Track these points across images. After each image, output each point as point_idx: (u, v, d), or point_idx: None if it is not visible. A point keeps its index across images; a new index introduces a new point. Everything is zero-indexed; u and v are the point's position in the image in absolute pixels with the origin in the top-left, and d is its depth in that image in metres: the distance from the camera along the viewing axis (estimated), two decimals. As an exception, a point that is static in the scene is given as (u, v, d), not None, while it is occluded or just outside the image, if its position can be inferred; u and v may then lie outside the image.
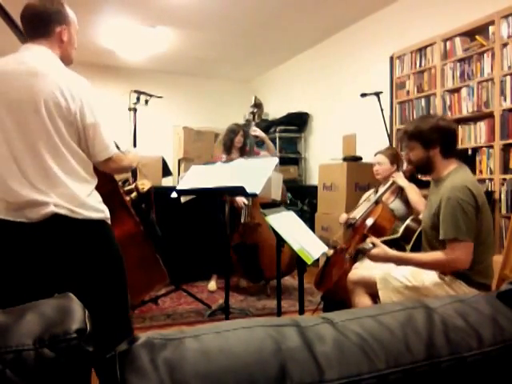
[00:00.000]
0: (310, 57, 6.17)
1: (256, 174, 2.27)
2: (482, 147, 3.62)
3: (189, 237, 4.28)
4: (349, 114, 5.29)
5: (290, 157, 6.25)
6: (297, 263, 2.32)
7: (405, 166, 3.03)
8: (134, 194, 2.51)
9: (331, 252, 2.90)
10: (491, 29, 3.52)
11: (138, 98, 3.65)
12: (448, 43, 3.92)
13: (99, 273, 1.65)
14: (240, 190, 2.16)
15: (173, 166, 5.53)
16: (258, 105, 4.04)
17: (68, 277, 1.61)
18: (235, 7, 4.76)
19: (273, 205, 2.88)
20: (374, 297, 2.20)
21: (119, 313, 1.71)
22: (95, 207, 1.63)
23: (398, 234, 2.40)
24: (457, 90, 3.84)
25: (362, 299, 2.24)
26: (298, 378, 0.61)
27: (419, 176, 2.65)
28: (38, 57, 1.62)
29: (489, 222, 2.02)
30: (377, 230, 2.71)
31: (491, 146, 3.53)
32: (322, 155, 5.59)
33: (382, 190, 3.03)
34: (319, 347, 0.65)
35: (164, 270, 2.40)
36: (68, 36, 1.70)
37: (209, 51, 6.20)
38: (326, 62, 5.81)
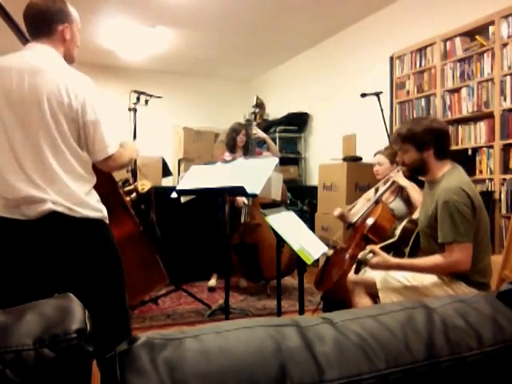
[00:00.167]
0: (309, 57, 6.17)
1: (256, 173, 2.27)
2: (482, 147, 3.62)
3: (189, 237, 4.28)
4: (349, 114, 5.29)
5: (290, 157, 6.24)
6: (297, 263, 2.32)
7: None
8: (133, 195, 2.51)
9: (331, 252, 2.90)
10: (491, 29, 3.52)
11: (138, 98, 3.65)
12: (448, 43, 3.92)
13: (97, 272, 1.64)
14: (240, 190, 2.16)
15: (173, 166, 5.53)
16: (259, 105, 4.03)
17: (65, 275, 1.61)
18: (235, 7, 4.76)
19: (273, 205, 2.89)
20: (374, 297, 2.20)
21: (117, 312, 1.71)
22: (93, 206, 1.63)
23: (395, 238, 2.39)
24: (457, 90, 3.84)
25: (362, 299, 2.24)
26: (298, 378, 0.61)
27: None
28: (41, 55, 1.62)
29: (485, 221, 2.03)
30: (377, 229, 2.70)
31: (491, 146, 3.53)
32: (321, 155, 5.59)
33: (382, 189, 3.03)
34: (319, 347, 0.65)
35: (163, 270, 2.40)
36: (70, 34, 1.71)
37: (209, 51, 6.20)
38: (325, 61, 5.81)
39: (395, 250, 2.35)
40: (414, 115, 4.28)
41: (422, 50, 4.21)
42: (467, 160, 3.70)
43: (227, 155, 4.07)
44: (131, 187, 2.54)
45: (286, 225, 2.23)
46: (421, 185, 2.91)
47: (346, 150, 5.16)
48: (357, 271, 2.15)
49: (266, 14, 4.95)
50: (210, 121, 6.64)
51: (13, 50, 1.67)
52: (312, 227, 4.61)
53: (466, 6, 3.83)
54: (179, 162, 5.96)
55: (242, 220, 3.94)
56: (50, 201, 1.53)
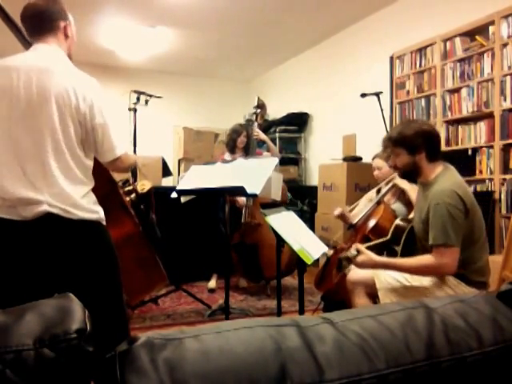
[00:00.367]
0: (310, 57, 6.17)
1: (256, 174, 2.27)
2: (482, 147, 3.62)
3: (189, 237, 4.28)
4: (349, 114, 5.29)
5: (290, 157, 6.24)
6: (297, 263, 2.32)
7: None
8: (133, 195, 2.51)
9: (331, 252, 2.90)
10: (491, 29, 3.53)
11: (138, 98, 3.65)
12: (448, 43, 3.93)
13: (93, 273, 1.64)
14: (240, 190, 2.17)
15: (173, 166, 5.53)
16: (260, 105, 4.03)
17: (62, 276, 1.61)
18: (235, 7, 4.76)
19: (273, 205, 2.89)
20: (374, 297, 2.20)
21: (114, 313, 1.71)
22: (89, 208, 1.62)
23: (388, 237, 2.39)
24: (457, 90, 3.84)
25: (362, 299, 2.24)
26: (298, 378, 0.61)
27: None
28: (48, 56, 1.63)
29: (480, 220, 2.03)
30: (378, 230, 2.70)
31: (491, 146, 3.54)
32: (321, 155, 5.58)
33: (384, 190, 3.02)
34: (319, 347, 0.65)
35: (163, 270, 2.40)
36: (71, 31, 1.73)
37: (209, 51, 6.19)
38: (326, 62, 5.81)
39: (388, 249, 2.35)
40: (414, 115, 4.28)
41: (421, 50, 4.21)
42: (467, 160, 3.70)
43: (227, 156, 4.07)
44: (131, 187, 2.54)
45: (286, 225, 2.23)
46: None
47: (346, 149, 5.16)
48: (338, 269, 2.15)
49: (266, 14, 4.95)
50: (209, 121, 6.64)
51: (13, 51, 1.67)
52: (312, 227, 4.61)
53: (466, 5, 3.83)
54: (179, 161, 5.96)
55: (243, 220, 3.94)
56: (46, 203, 1.53)
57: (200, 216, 4.24)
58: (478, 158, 3.65)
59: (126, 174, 3.02)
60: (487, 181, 3.56)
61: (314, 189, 5.03)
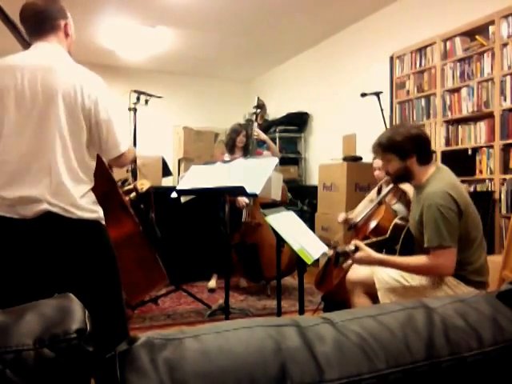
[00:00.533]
0: (310, 57, 6.17)
1: (256, 174, 2.27)
2: (482, 147, 3.62)
3: (189, 237, 4.28)
4: (349, 114, 5.29)
5: (290, 157, 6.24)
6: (297, 263, 2.32)
7: None
8: (133, 194, 2.51)
9: (331, 252, 2.90)
10: (491, 29, 3.53)
11: (138, 98, 3.65)
12: (448, 43, 3.93)
13: (92, 273, 1.64)
14: (240, 190, 2.16)
15: (173, 166, 5.53)
16: (260, 105, 4.03)
17: (61, 275, 1.61)
18: (235, 7, 4.76)
19: (273, 205, 2.88)
20: (373, 297, 2.20)
21: (113, 312, 1.71)
22: (88, 208, 1.62)
23: (387, 235, 2.39)
24: (457, 90, 3.84)
25: (361, 299, 2.24)
26: (298, 378, 0.61)
27: None
28: (50, 54, 1.63)
29: (476, 220, 2.02)
30: (379, 231, 2.69)
31: (491, 146, 3.54)
32: (321, 155, 5.58)
33: (385, 190, 3.02)
34: (319, 347, 0.65)
35: (163, 270, 2.40)
36: (71, 29, 1.73)
37: (209, 51, 6.20)
38: (326, 61, 5.81)
39: (387, 247, 2.35)
40: (414, 115, 4.28)
41: (421, 50, 4.21)
42: (467, 160, 3.70)
43: (226, 156, 4.06)
44: (130, 187, 2.54)
45: (286, 225, 2.23)
46: None
47: (346, 149, 5.16)
48: (336, 263, 2.15)
49: (266, 14, 4.95)
50: (209, 121, 6.64)
51: (13, 51, 1.66)
52: (312, 227, 4.61)
53: (466, 5, 3.83)
54: (179, 161, 5.96)
55: (243, 220, 3.94)
56: (47, 202, 1.53)
57: (200, 216, 4.24)
58: (478, 158, 3.65)
59: (125, 174, 3.02)
60: (487, 181, 3.56)
61: (314, 189, 5.03)
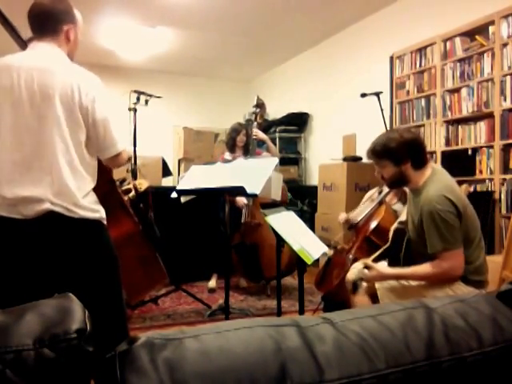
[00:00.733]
0: (310, 57, 6.17)
1: (256, 174, 2.26)
2: (482, 147, 3.62)
3: (189, 237, 4.28)
4: (349, 114, 5.29)
5: (290, 157, 6.24)
6: (297, 263, 2.32)
7: None
8: (131, 194, 2.51)
9: (331, 252, 2.90)
10: (491, 29, 3.53)
11: (138, 98, 3.65)
12: (448, 43, 3.92)
13: (93, 272, 1.64)
14: (240, 190, 2.16)
15: (173, 166, 5.53)
16: (260, 105, 4.03)
17: (62, 275, 1.61)
18: (235, 7, 4.76)
19: (273, 205, 2.88)
20: (373, 297, 2.20)
21: (114, 312, 1.71)
22: (91, 207, 1.63)
23: (389, 243, 2.39)
24: (457, 90, 3.84)
25: (361, 299, 2.24)
26: (298, 378, 0.61)
27: None
28: (48, 54, 1.62)
29: (474, 220, 2.02)
30: (379, 232, 2.69)
31: (491, 146, 3.54)
32: (321, 155, 5.58)
33: (385, 190, 3.02)
34: (319, 347, 0.65)
35: (163, 269, 2.40)
36: (74, 35, 1.72)
37: (209, 51, 6.20)
38: (326, 62, 5.81)
39: (390, 255, 2.34)
40: (414, 115, 4.28)
41: (421, 50, 4.21)
42: (467, 160, 3.70)
43: (227, 155, 4.07)
44: (129, 186, 2.54)
45: (286, 225, 2.23)
46: None
47: (346, 150, 5.16)
48: (354, 291, 2.15)
49: (266, 14, 4.95)
50: (209, 121, 6.64)
51: (11, 51, 1.66)
52: (312, 227, 4.61)
53: (466, 5, 3.83)
54: (179, 161, 5.96)
55: (243, 220, 3.94)
56: (49, 201, 1.53)
57: (200, 216, 4.24)
58: (478, 158, 3.65)
59: (124, 173, 3.02)
60: (487, 181, 3.56)
61: (314, 189, 5.03)
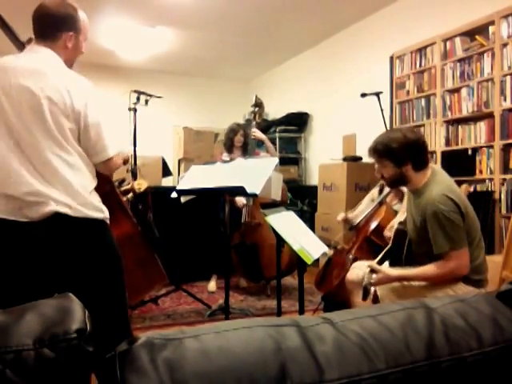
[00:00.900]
0: (310, 57, 6.17)
1: (256, 174, 2.26)
2: (482, 147, 3.62)
3: (189, 237, 4.28)
4: (349, 114, 5.29)
5: (290, 157, 6.24)
6: (297, 263, 2.31)
7: None
8: (130, 195, 2.51)
9: (331, 252, 2.90)
10: (491, 29, 3.53)
11: (138, 98, 3.65)
12: (448, 43, 3.92)
13: (98, 273, 1.64)
14: (240, 190, 2.16)
15: (173, 166, 5.53)
16: (258, 104, 4.03)
17: (66, 276, 1.61)
18: (235, 7, 4.76)
19: (273, 205, 2.89)
20: (373, 297, 2.20)
21: (117, 313, 1.71)
22: (96, 206, 1.63)
23: (390, 244, 2.38)
24: (457, 90, 3.84)
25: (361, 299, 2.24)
26: (298, 378, 0.61)
27: None
28: (42, 58, 1.62)
29: (474, 220, 2.03)
30: (380, 232, 2.69)
31: (491, 146, 3.54)
32: (321, 155, 5.58)
33: (386, 190, 3.01)
34: (319, 347, 0.65)
35: (163, 270, 2.40)
36: (74, 43, 1.70)
37: (209, 51, 6.20)
38: (326, 62, 5.81)
39: (392, 256, 2.34)
40: (414, 115, 4.28)
41: (421, 50, 4.21)
42: (467, 160, 3.70)
43: (225, 155, 4.07)
44: (128, 187, 2.54)
45: (286, 225, 2.23)
46: None
47: (346, 150, 5.16)
48: (365, 297, 2.12)
49: (266, 14, 4.95)
50: (210, 121, 6.64)
51: (11, 51, 1.66)
52: (312, 227, 4.61)
53: (466, 5, 3.82)
54: (179, 161, 5.96)
55: (243, 220, 3.94)
56: (53, 200, 1.53)
57: (200, 216, 4.24)
58: (478, 158, 3.65)
59: (124, 174, 3.01)
60: (487, 181, 3.56)
61: (314, 189, 5.03)
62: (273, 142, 5.27)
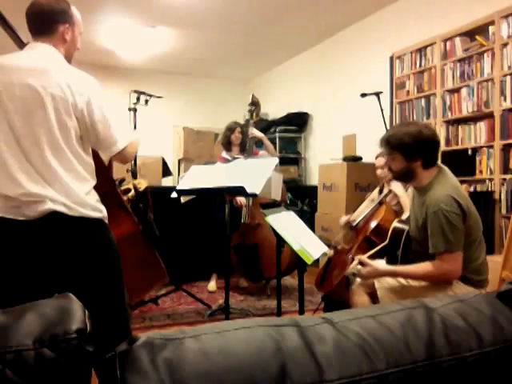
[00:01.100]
0: (310, 57, 6.17)
1: (256, 173, 2.26)
2: (482, 147, 3.62)
3: (189, 237, 4.28)
4: (349, 114, 5.28)
5: (290, 157, 6.24)
6: (297, 263, 2.31)
7: None
8: (131, 194, 2.50)
9: (331, 252, 2.89)
10: (491, 29, 3.52)
11: (138, 98, 3.65)
12: (448, 43, 3.92)
13: (95, 272, 1.64)
14: (240, 190, 2.16)
15: (173, 166, 5.53)
16: (255, 103, 4.03)
17: (65, 275, 1.61)
18: (235, 7, 4.76)
19: (273, 205, 2.89)
20: (373, 296, 2.20)
21: (116, 312, 1.71)
22: (93, 206, 1.63)
23: (387, 241, 2.38)
24: (457, 90, 3.84)
25: (361, 299, 2.24)
26: (298, 378, 0.61)
27: None
28: (43, 54, 1.62)
29: (476, 220, 2.02)
30: (380, 232, 2.69)
31: (491, 146, 3.54)
32: (321, 155, 5.58)
33: (385, 191, 3.01)
34: (319, 347, 0.65)
35: (163, 269, 2.40)
36: (71, 36, 1.71)
37: (209, 51, 6.20)
38: (326, 62, 5.81)
39: (388, 254, 2.34)
40: (414, 115, 4.28)
41: (422, 50, 4.21)
42: (467, 160, 3.70)
43: (224, 154, 4.08)
44: (128, 186, 2.54)
45: (286, 225, 2.23)
46: None
47: (346, 150, 5.16)
48: (347, 286, 2.13)
49: (266, 14, 4.95)
50: (209, 121, 6.64)
51: (10, 50, 1.66)
52: (312, 227, 4.61)
53: (466, 6, 3.82)
54: (179, 161, 5.96)
55: (243, 220, 3.94)
56: (50, 199, 1.53)
57: (200, 216, 4.24)
58: (478, 158, 3.65)
59: (124, 173, 3.01)
60: (487, 181, 3.56)
61: (314, 189, 5.03)
62: (273, 141, 5.27)
